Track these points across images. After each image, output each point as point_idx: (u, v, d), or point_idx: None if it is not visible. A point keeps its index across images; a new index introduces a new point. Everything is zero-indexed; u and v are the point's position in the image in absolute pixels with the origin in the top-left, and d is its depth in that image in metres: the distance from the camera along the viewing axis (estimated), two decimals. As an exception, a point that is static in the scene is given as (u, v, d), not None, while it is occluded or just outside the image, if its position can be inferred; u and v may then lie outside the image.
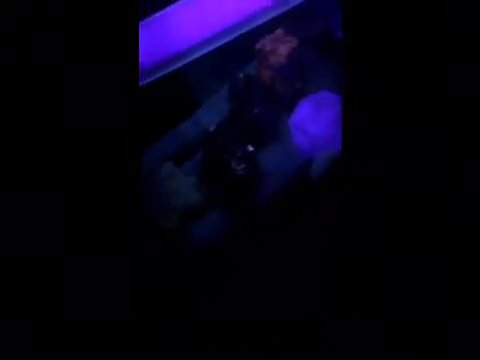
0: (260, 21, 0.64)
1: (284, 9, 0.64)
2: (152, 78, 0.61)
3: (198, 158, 0.57)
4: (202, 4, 0.64)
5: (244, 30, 0.63)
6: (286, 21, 0.64)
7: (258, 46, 0.60)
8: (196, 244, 0.52)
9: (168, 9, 0.63)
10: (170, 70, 0.62)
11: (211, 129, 0.55)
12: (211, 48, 0.63)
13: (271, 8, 0.65)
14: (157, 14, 0.63)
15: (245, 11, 0.64)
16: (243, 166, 0.53)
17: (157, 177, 0.53)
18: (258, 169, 0.54)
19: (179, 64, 0.63)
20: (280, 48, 0.59)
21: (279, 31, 0.61)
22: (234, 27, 0.64)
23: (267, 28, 0.60)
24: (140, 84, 0.59)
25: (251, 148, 0.56)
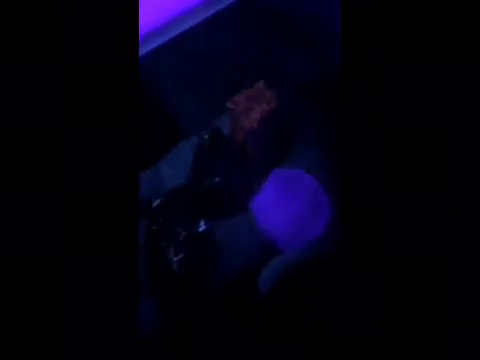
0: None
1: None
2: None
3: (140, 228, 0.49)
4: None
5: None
6: (277, 56, 0.54)
7: (229, 104, 0.50)
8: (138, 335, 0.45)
9: None
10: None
11: (154, 204, 0.47)
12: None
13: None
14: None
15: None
16: (181, 256, 0.45)
17: None
18: (209, 254, 0.45)
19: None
20: (254, 110, 0.49)
21: (260, 84, 0.50)
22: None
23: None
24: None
25: (203, 226, 0.47)
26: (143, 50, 0.57)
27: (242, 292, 0.46)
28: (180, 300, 0.46)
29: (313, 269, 0.44)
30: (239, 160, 0.51)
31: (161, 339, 0.45)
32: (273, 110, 0.48)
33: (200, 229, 0.47)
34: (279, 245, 0.46)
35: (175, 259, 0.45)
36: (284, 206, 0.47)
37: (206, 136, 0.50)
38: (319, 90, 0.53)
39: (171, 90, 0.64)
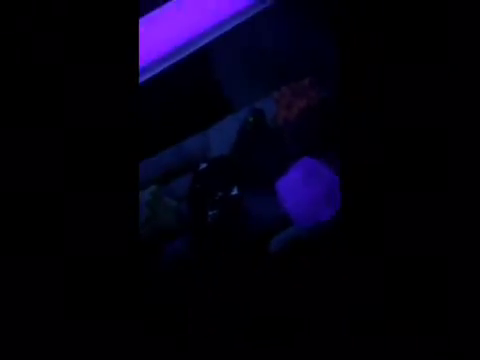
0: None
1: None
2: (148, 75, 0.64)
3: (186, 183, 0.60)
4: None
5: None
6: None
7: (276, 95, 0.59)
8: (166, 262, 0.56)
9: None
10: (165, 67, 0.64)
11: (201, 167, 0.58)
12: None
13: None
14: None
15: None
16: (214, 212, 0.55)
17: (144, 196, 0.58)
18: (237, 214, 0.56)
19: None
20: (295, 105, 0.58)
21: (306, 81, 0.59)
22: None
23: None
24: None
25: (235, 192, 0.57)
26: (202, 42, 0.66)
27: (256, 249, 0.57)
28: (208, 245, 0.57)
29: (316, 244, 0.55)
30: (275, 143, 0.61)
31: (185, 271, 0.56)
32: (311, 108, 0.57)
33: (233, 193, 0.58)
34: (293, 220, 0.57)
35: (210, 213, 0.56)
36: (304, 190, 0.57)
37: (251, 118, 0.60)
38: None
39: (229, 74, 0.73)
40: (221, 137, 0.64)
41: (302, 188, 0.57)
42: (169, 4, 0.66)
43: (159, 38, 0.65)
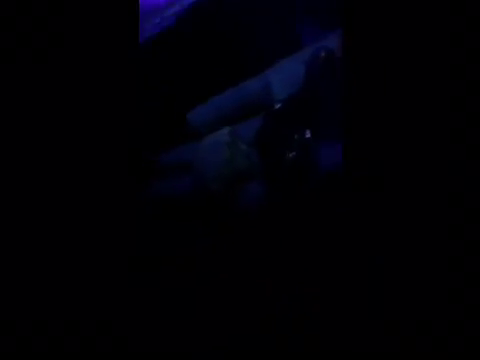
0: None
1: None
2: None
3: (254, 124, 0.56)
4: None
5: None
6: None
7: None
8: (239, 209, 0.55)
9: None
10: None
11: (276, 107, 0.55)
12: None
13: None
14: None
15: None
16: (294, 154, 0.54)
17: (213, 140, 0.56)
18: (309, 158, 0.55)
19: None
20: None
21: None
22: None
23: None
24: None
25: (308, 134, 0.55)
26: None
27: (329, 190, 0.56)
28: (286, 188, 0.56)
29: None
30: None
31: (265, 215, 0.55)
32: None
33: (306, 136, 0.56)
34: None
35: (290, 155, 0.54)
36: None
37: (323, 53, 0.57)
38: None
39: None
40: (281, 78, 0.61)
41: None
42: None
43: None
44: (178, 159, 0.53)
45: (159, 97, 0.59)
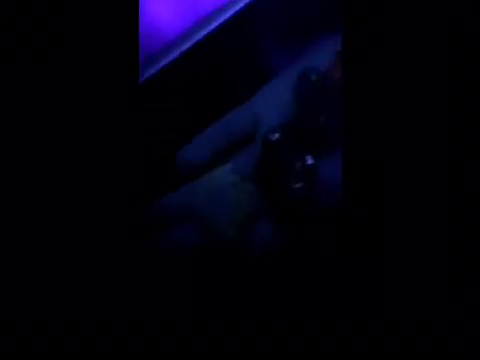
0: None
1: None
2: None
3: (251, 156, 0.53)
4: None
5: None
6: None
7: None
8: (251, 253, 0.50)
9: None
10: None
11: (273, 138, 0.52)
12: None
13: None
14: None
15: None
16: (301, 184, 0.50)
17: (216, 182, 0.51)
18: (316, 184, 0.51)
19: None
20: None
21: None
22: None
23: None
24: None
25: (311, 161, 0.52)
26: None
27: (337, 217, 0.53)
28: (295, 221, 0.52)
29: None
30: (337, 102, 0.56)
31: (275, 255, 0.51)
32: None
33: (308, 163, 0.53)
34: None
35: (296, 186, 0.50)
36: None
37: (314, 77, 0.54)
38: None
39: (261, 37, 0.66)
40: (268, 106, 0.57)
41: None
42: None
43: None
44: (177, 206, 0.48)
45: (145, 139, 0.54)
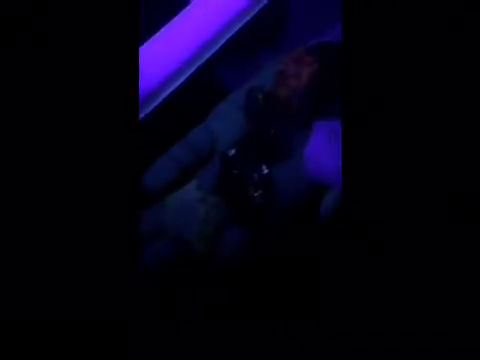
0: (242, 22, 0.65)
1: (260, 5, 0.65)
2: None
3: (211, 172, 0.57)
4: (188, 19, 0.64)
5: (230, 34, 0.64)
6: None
7: (281, 67, 0.60)
8: (222, 263, 0.54)
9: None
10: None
11: (230, 154, 0.57)
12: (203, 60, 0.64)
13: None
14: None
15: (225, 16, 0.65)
16: (260, 192, 0.55)
17: (183, 200, 0.55)
18: (273, 191, 0.56)
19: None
20: (304, 72, 0.59)
21: (301, 49, 0.61)
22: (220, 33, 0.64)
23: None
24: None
25: (266, 170, 0.57)
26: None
27: (296, 220, 0.59)
28: (261, 228, 0.57)
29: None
30: (284, 114, 0.62)
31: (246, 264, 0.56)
32: (318, 70, 0.60)
33: (264, 172, 0.58)
34: (327, 182, 0.59)
35: (256, 194, 0.56)
36: (331, 151, 0.59)
37: (260, 96, 0.60)
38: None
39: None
40: (223, 125, 0.63)
41: (331, 149, 0.59)
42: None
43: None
44: (148, 224, 0.52)
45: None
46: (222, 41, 0.66)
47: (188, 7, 0.68)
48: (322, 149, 0.59)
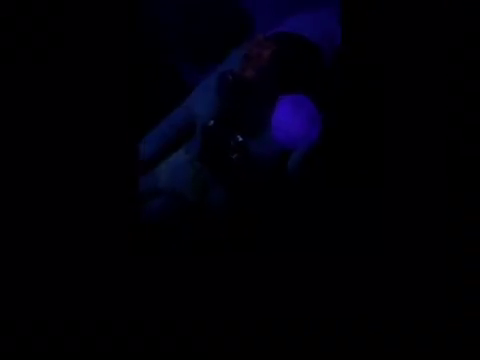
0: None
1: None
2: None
3: (195, 143, 0.67)
4: None
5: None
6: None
7: (245, 52, 0.71)
8: (212, 212, 0.63)
9: None
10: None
11: (210, 124, 0.67)
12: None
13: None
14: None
15: None
16: (236, 155, 0.66)
17: (174, 163, 0.63)
18: (247, 155, 0.67)
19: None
20: (264, 53, 0.71)
21: (260, 36, 0.73)
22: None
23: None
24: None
25: (240, 138, 0.68)
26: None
27: (269, 181, 0.70)
28: (241, 185, 0.67)
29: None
30: (252, 92, 0.73)
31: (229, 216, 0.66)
32: (276, 51, 0.70)
33: (239, 140, 0.69)
34: (292, 146, 0.70)
35: (233, 157, 0.66)
36: (294, 119, 0.70)
37: (230, 77, 0.71)
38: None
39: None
40: (199, 104, 0.73)
41: (293, 118, 0.70)
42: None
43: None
44: (145, 188, 0.62)
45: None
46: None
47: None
48: (286, 117, 0.70)
